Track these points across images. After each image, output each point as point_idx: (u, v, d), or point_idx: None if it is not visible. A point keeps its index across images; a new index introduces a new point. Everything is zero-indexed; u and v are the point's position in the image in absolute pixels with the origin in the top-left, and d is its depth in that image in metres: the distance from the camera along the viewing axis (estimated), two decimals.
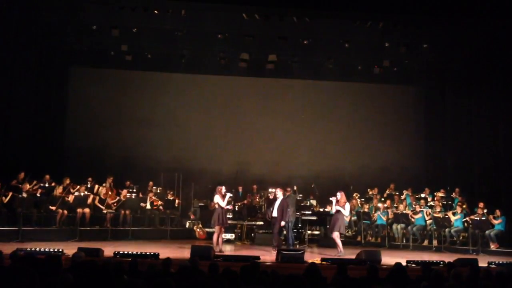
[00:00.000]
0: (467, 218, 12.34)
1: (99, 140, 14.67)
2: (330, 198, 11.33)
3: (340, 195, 10.99)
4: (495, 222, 12.01)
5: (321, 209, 13.57)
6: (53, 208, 12.15)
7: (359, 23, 13.38)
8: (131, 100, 15.50)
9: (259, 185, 14.50)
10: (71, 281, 3.88)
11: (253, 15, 13.21)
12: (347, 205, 11.00)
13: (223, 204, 10.57)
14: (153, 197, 13.69)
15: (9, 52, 12.92)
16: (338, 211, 10.89)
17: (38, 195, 12.02)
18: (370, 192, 14.47)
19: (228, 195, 10.87)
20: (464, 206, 12.89)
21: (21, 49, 13.25)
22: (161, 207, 13.58)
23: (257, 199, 14.04)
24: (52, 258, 5.09)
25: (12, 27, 12.77)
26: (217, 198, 10.62)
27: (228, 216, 13.19)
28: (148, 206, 13.56)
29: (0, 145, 12.90)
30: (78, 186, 12.71)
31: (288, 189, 12.40)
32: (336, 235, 10.75)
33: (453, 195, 13.65)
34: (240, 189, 14.72)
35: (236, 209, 13.68)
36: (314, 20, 13.35)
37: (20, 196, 11.49)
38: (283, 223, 11.06)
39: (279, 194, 11.33)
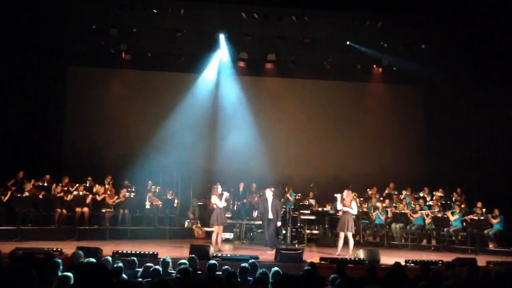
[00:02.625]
0: (466, 218, 12.34)
1: (98, 140, 14.62)
2: (335, 195, 11.23)
3: (346, 194, 10.89)
4: (494, 221, 12.02)
5: (320, 209, 13.57)
6: (59, 194, 12.12)
7: (357, 23, 13.38)
8: (130, 100, 15.45)
9: (258, 184, 14.48)
10: (70, 281, 3.88)
11: (252, 14, 13.21)
12: (354, 204, 10.90)
13: (220, 204, 10.55)
14: (152, 197, 13.67)
15: (7, 51, 12.90)
16: (346, 211, 10.72)
17: (40, 196, 11.99)
18: (370, 192, 14.47)
19: (225, 194, 10.84)
20: (462, 206, 12.90)
21: (19, 48, 13.23)
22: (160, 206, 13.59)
23: (256, 199, 14.03)
24: (50, 257, 5.09)
25: (11, 26, 12.76)
26: (214, 199, 10.60)
27: (227, 215, 13.26)
28: (148, 206, 13.55)
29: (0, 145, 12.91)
30: (77, 185, 12.71)
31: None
32: (350, 235, 10.70)
33: (454, 195, 13.64)
34: (241, 188, 14.70)
35: (235, 208, 13.69)
36: (313, 20, 13.35)
37: (19, 195, 11.48)
38: (279, 223, 11.04)
39: (269, 194, 11.23)
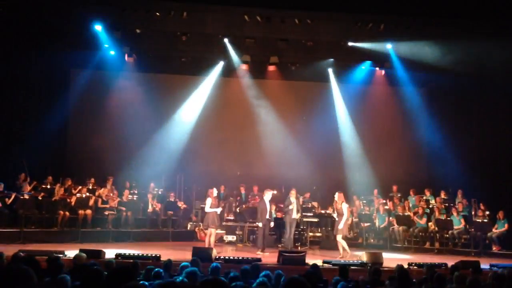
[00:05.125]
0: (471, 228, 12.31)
1: (101, 142, 14.61)
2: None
3: (337, 196, 10.93)
4: (506, 227, 11.93)
5: (323, 211, 13.54)
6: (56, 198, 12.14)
7: (360, 25, 13.37)
8: (132, 102, 15.44)
9: (261, 187, 14.45)
10: (68, 283, 3.86)
11: (255, 17, 13.21)
12: (344, 205, 10.82)
13: (207, 208, 10.59)
14: (154, 202, 13.63)
15: (10, 54, 12.93)
16: (339, 214, 10.79)
17: (40, 198, 12.00)
18: (373, 195, 14.44)
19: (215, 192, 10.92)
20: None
21: (23, 51, 13.25)
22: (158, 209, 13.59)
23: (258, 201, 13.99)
24: (53, 259, 5.08)
25: (14, 29, 12.78)
26: (208, 201, 10.62)
27: (230, 218, 13.29)
28: (150, 208, 13.54)
29: (2, 147, 12.92)
30: (80, 188, 12.71)
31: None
32: (339, 238, 10.73)
33: (458, 197, 13.60)
34: (243, 190, 14.68)
35: (238, 210, 13.67)
36: (316, 22, 13.34)
37: (22, 197, 11.51)
38: (272, 224, 11.23)
39: (268, 196, 11.33)
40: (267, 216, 11.10)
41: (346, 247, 10.68)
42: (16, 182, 12.23)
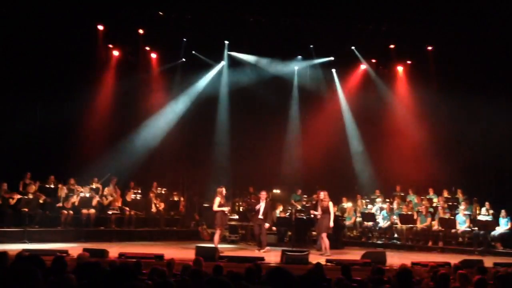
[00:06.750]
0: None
1: (103, 142, 14.61)
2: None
3: (323, 195, 10.96)
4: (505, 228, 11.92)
5: None
6: (60, 205, 12.17)
7: (360, 26, 13.37)
8: (135, 101, 15.45)
9: (262, 187, 14.45)
10: (74, 282, 3.87)
11: (258, 17, 13.24)
12: (331, 205, 10.88)
13: (215, 207, 10.63)
14: (158, 201, 13.66)
15: (11, 52, 12.93)
16: (324, 212, 10.90)
17: (41, 201, 12.01)
18: (376, 194, 14.43)
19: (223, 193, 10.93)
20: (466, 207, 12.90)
21: (24, 49, 13.26)
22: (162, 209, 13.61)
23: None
24: (56, 259, 5.10)
25: (13, 26, 12.79)
26: (217, 200, 10.65)
27: (234, 217, 13.33)
28: (153, 208, 13.56)
29: (5, 147, 12.95)
30: (82, 189, 12.72)
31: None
32: (323, 236, 10.83)
33: (459, 196, 13.59)
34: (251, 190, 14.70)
35: (241, 210, 13.70)
36: (317, 23, 13.35)
37: (26, 197, 11.54)
38: (267, 225, 11.28)
39: (263, 196, 11.38)
40: (260, 216, 11.13)
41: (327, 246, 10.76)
42: (21, 181, 12.25)
